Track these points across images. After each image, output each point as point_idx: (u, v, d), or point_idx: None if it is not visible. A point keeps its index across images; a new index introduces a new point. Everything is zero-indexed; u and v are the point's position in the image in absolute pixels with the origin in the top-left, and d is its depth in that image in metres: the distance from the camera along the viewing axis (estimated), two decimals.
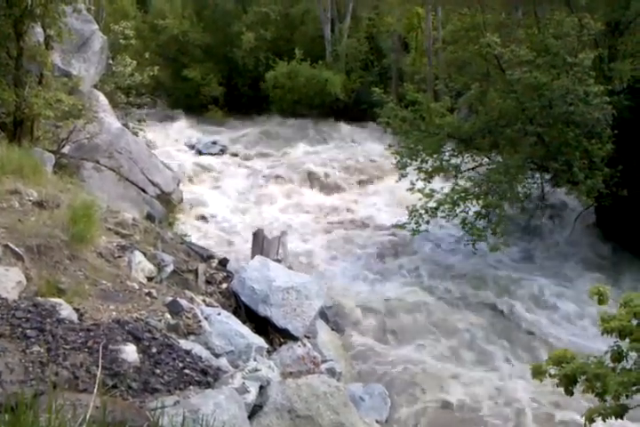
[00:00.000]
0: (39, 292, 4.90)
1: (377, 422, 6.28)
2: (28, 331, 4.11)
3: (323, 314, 8.50)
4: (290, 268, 8.94)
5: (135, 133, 14.21)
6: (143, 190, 11.79)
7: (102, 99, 13.14)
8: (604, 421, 4.35)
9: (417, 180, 12.62)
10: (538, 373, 4.54)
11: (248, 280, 7.00)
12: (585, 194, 10.91)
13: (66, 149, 10.80)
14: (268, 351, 6.29)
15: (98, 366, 3.82)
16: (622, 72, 11.89)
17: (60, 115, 9.69)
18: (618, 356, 4.46)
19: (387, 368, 8.09)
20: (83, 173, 10.95)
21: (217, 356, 5.23)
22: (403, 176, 13.12)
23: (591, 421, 4.32)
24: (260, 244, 9.02)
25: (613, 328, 4.43)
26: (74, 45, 12.07)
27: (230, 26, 24.48)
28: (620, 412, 4.35)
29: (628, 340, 4.49)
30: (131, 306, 5.18)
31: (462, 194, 11.65)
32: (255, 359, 5.53)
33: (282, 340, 6.83)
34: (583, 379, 4.46)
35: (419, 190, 12.10)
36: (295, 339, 6.80)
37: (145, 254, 6.45)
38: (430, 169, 12.79)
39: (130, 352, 4.25)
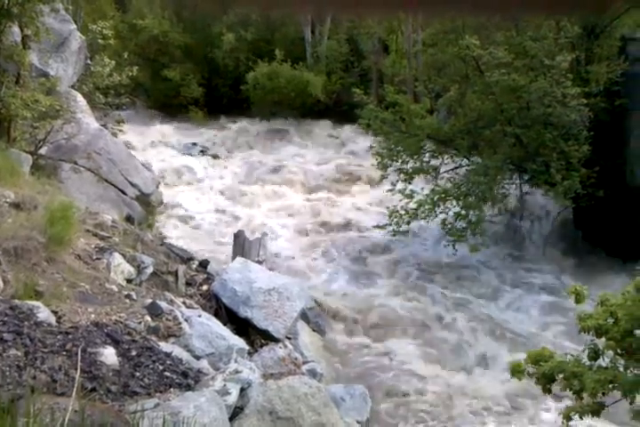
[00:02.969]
0: (16, 295, 4.83)
1: (357, 422, 6.29)
2: (4, 334, 4.06)
3: (304, 315, 8.49)
4: (271, 269, 8.94)
5: (114, 134, 14.07)
6: (122, 192, 11.67)
7: (80, 99, 12.99)
8: (582, 418, 4.42)
9: (397, 181, 12.68)
10: (517, 371, 4.59)
11: (229, 282, 6.99)
12: (562, 195, 11.04)
13: (43, 150, 10.67)
14: (249, 353, 6.28)
15: (76, 370, 3.78)
16: (598, 74, 12.07)
17: (37, 115, 9.58)
18: (594, 354, 4.53)
19: (368, 369, 8.12)
20: (61, 174, 10.82)
21: (197, 358, 5.21)
22: (384, 177, 13.17)
23: (568, 419, 4.38)
24: (241, 245, 9.00)
25: (590, 327, 4.50)
26: (51, 45, 11.92)
27: (210, 26, 24.37)
28: (597, 410, 4.42)
29: (604, 338, 4.57)
30: (110, 308, 5.14)
31: (442, 195, 11.74)
32: (236, 361, 5.52)
33: (263, 341, 6.82)
34: (561, 377, 4.52)
35: (399, 191, 12.16)
36: (276, 340, 6.80)
37: (124, 256, 6.40)
38: (410, 170, 12.86)
39: (109, 355, 4.22)
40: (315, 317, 9.10)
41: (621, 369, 4.49)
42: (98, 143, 11.94)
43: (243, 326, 6.76)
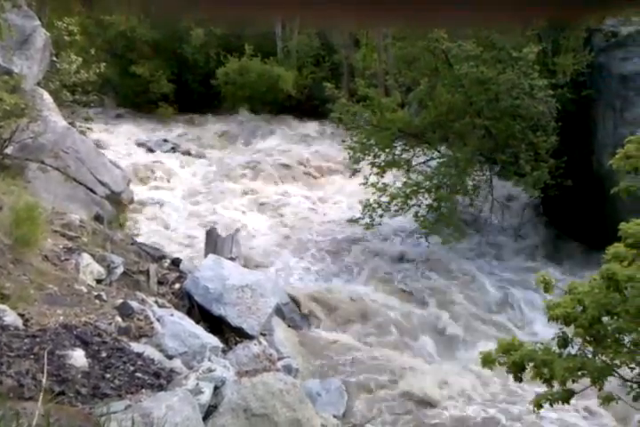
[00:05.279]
0: None
1: (334, 416, 6.30)
2: None
3: (279, 311, 8.48)
4: (244, 266, 8.89)
5: (82, 132, 13.81)
6: (92, 191, 11.47)
7: (46, 97, 12.71)
8: (552, 406, 4.49)
9: (370, 174, 12.71)
10: (487, 361, 4.64)
11: (202, 279, 6.94)
12: (531, 185, 11.20)
13: (9, 150, 10.43)
14: (224, 351, 6.24)
15: (43, 373, 3.72)
16: (565, 66, 12.23)
17: (1, 114, 9.36)
18: (563, 342, 4.61)
19: (344, 363, 8.14)
20: (27, 173, 10.59)
21: (170, 357, 5.17)
22: (356, 171, 13.19)
23: (539, 406, 4.45)
24: (214, 242, 8.93)
25: (559, 315, 4.56)
26: (15, 42, 11.65)
27: (179, 21, 24.07)
28: (567, 397, 4.49)
29: (572, 326, 4.65)
30: (79, 310, 5.06)
31: (414, 188, 11.81)
32: (210, 359, 5.48)
33: (237, 339, 6.80)
34: (531, 366, 4.59)
35: (372, 185, 12.20)
36: (251, 337, 6.78)
37: (93, 256, 6.31)
38: (383, 164, 12.90)
39: (78, 357, 4.16)
40: (290, 312, 9.09)
41: (590, 356, 4.57)
42: (65, 142, 11.71)
43: (216, 324, 6.72)
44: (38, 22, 13.32)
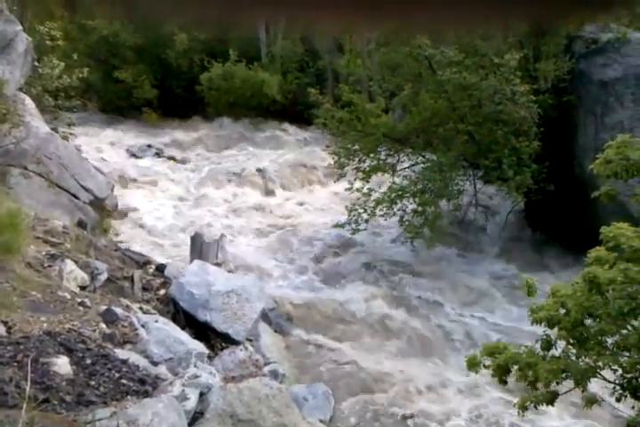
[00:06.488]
0: None
1: (321, 421, 6.30)
2: None
3: (265, 316, 8.46)
4: (230, 271, 8.87)
5: (65, 138, 13.70)
6: (75, 197, 11.38)
7: (29, 102, 12.61)
8: (536, 408, 4.53)
9: (355, 179, 12.75)
10: (473, 364, 4.68)
11: (187, 285, 6.91)
12: (514, 190, 11.31)
13: None
14: (209, 357, 6.22)
15: (27, 381, 3.68)
16: (546, 72, 12.39)
17: None
18: (547, 344, 4.65)
19: (331, 367, 8.14)
20: (9, 179, 10.49)
21: (155, 364, 5.14)
22: (341, 176, 13.23)
23: (524, 409, 4.49)
24: (199, 248, 8.89)
25: (542, 318, 4.61)
26: None
27: (162, 26, 24.01)
28: (551, 398, 4.54)
29: (556, 329, 4.69)
30: (63, 317, 5.02)
31: (399, 192, 11.86)
32: (195, 366, 5.46)
33: (223, 344, 6.78)
34: (516, 368, 4.63)
35: (357, 190, 12.24)
36: (237, 343, 6.76)
37: (77, 263, 6.26)
38: (367, 169, 12.95)
39: (62, 365, 4.12)
40: (276, 317, 9.07)
41: (573, 358, 4.62)
42: (48, 147, 11.61)
43: (202, 330, 6.69)
44: (20, 27, 13.23)
